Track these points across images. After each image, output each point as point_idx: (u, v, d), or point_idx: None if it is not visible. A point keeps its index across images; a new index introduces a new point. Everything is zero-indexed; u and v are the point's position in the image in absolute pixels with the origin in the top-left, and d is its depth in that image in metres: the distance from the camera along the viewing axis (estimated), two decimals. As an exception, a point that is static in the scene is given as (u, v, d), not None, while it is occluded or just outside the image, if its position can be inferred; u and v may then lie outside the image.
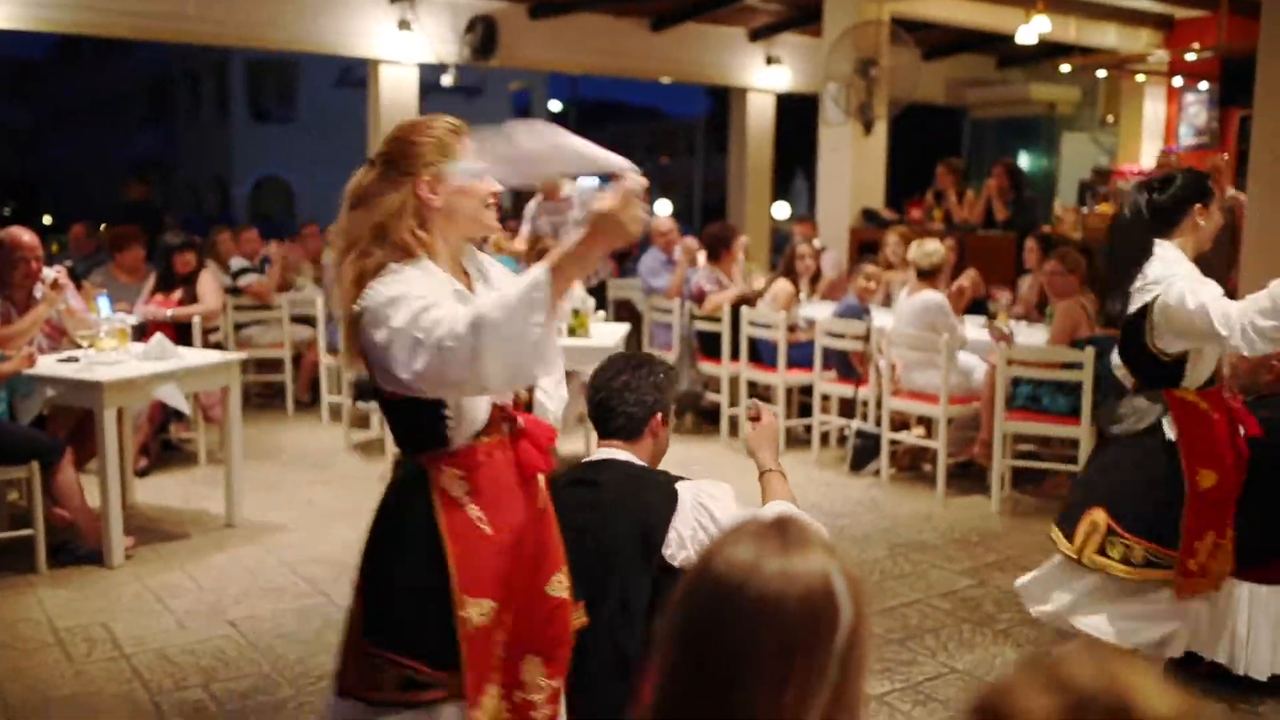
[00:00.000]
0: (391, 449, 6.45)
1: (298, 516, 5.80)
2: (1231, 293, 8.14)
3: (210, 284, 7.41)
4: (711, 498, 2.67)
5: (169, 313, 7.03)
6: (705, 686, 1.22)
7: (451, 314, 2.03)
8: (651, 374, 2.79)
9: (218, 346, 7.52)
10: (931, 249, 6.69)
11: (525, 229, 8.22)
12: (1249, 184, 7.19)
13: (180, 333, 6.77)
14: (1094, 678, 0.98)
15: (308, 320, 8.38)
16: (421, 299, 2.09)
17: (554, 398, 2.53)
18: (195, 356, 5.77)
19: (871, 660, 1.28)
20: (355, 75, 25.03)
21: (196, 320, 7.07)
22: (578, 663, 2.49)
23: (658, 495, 2.66)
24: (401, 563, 2.27)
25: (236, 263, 8.46)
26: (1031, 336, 6.60)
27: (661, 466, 2.87)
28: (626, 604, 2.59)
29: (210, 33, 10.18)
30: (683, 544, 2.60)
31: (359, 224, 2.26)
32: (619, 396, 2.77)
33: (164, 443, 6.98)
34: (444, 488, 2.25)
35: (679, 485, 2.69)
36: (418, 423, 2.25)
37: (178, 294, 7.20)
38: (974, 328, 6.83)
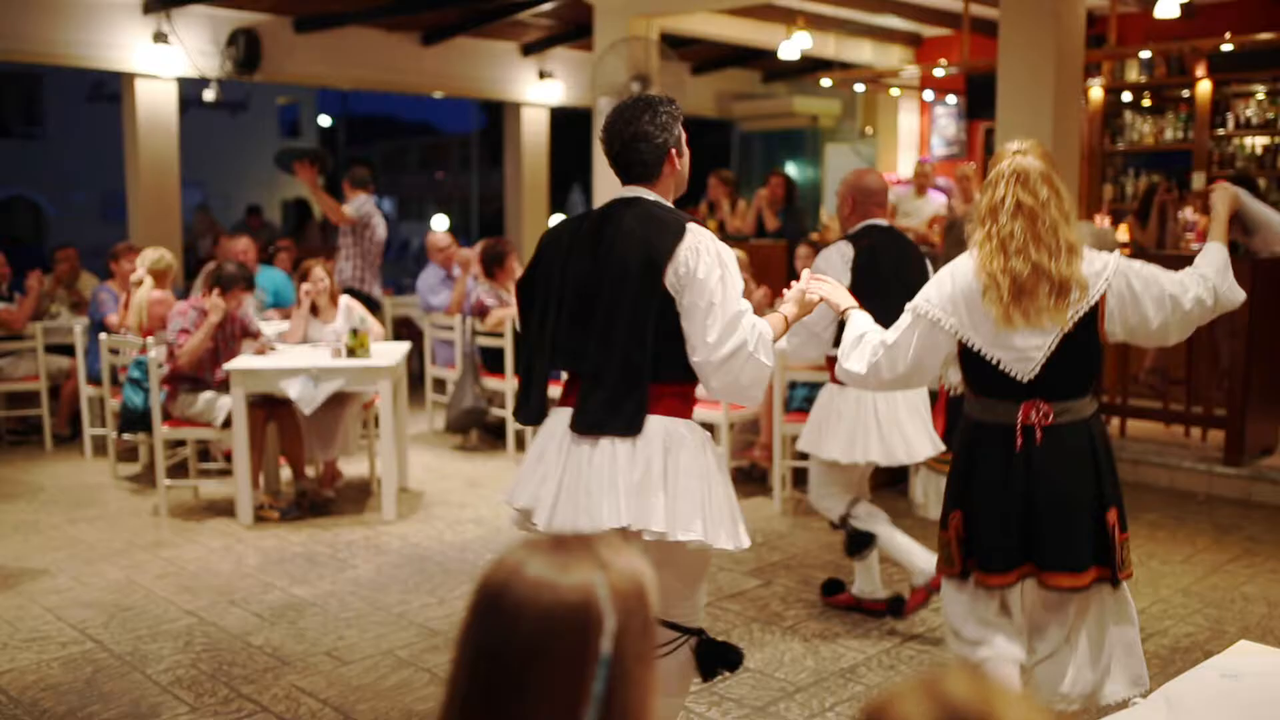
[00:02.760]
0: (163, 481, 6.16)
1: (61, 559, 5.45)
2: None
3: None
4: (710, 251, 2.91)
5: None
6: (475, 690, 1.24)
7: None
8: (655, 115, 2.99)
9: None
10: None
11: None
12: (995, 191, 7.64)
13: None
14: (968, 693, 1.07)
15: (65, 349, 7.90)
16: None
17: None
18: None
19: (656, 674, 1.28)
20: (109, 89, 23.78)
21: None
22: (594, 373, 2.91)
23: (671, 227, 2.92)
24: None
25: None
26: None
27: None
28: (635, 321, 2.89)
29: (-58, 44, 9.47)
30: (676, 274, 2.88)
31: None
32: (633, 147, 2.99)
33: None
34: None
35: (689, 224, 2.95)
36: None
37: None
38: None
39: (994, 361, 2.99)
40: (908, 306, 3.10)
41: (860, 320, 3.18)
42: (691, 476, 2.88)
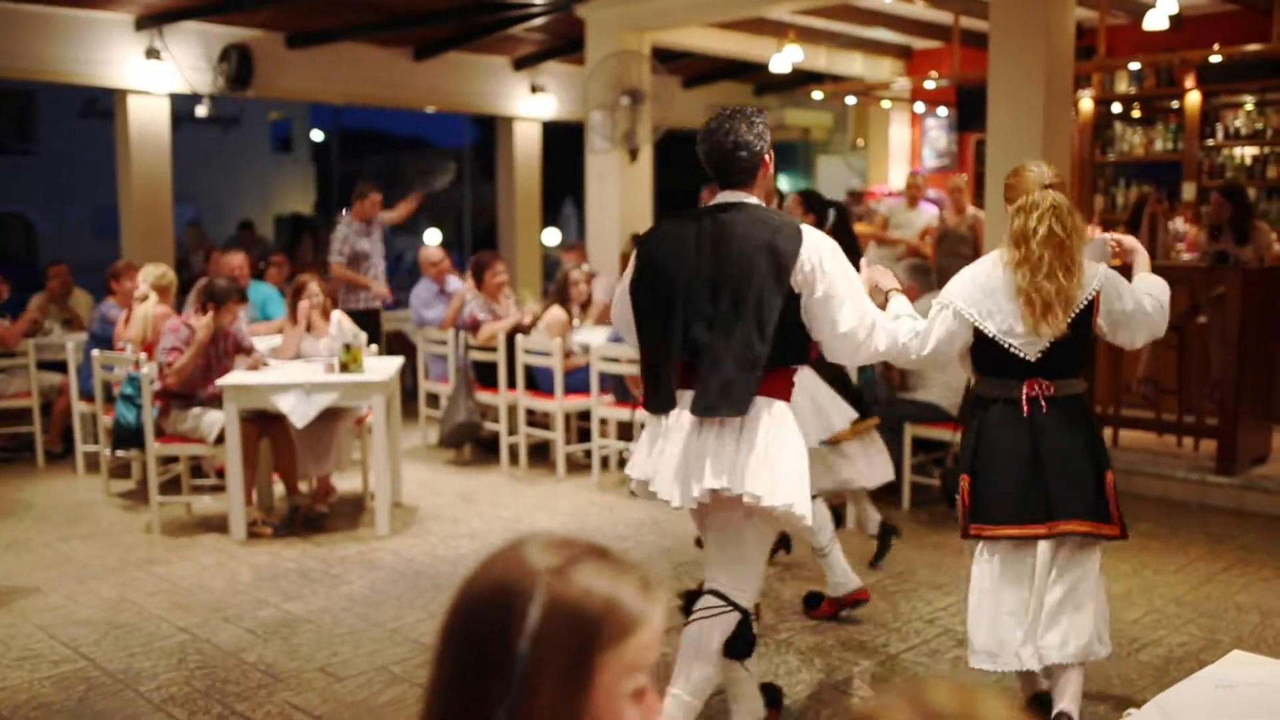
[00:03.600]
0: (156, 498, 6.14)
1: (54, 577, 5.43)
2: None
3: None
4: (828, 248, 3.26)
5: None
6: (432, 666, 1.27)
7: None
8: (752, 125, 3.32)
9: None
10: None
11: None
12: (986, 203, 7.70)
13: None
14: (950, 703, 1.08)
15: (57, 366, 7.88)
16: None
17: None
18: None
19: (605, 687, 1.21)
20: (102, 105, 23.78)
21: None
22: (714, 361, 3.21)
23: (788, 230, 3.25)
24: None
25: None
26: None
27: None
28: (761, 316, 3.19)
29: (-66, 62, 9.46)
30: (803, 272, 3.20)
31: None
32: (734, 155, 3.31)
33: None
34: None
35: (802, 226, 3.28)
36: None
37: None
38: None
39: (1005, 345, 3.54)
40: (935, 300, 3.67)
41: (900, 302, 3.65)
42: (790, 452, 3.23)
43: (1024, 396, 3.55)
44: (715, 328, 3.25)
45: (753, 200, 3.36)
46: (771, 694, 3.69)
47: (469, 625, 1.24)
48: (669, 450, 3.31)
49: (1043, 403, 3.55)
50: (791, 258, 3.20)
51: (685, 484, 3.24)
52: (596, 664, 1.20)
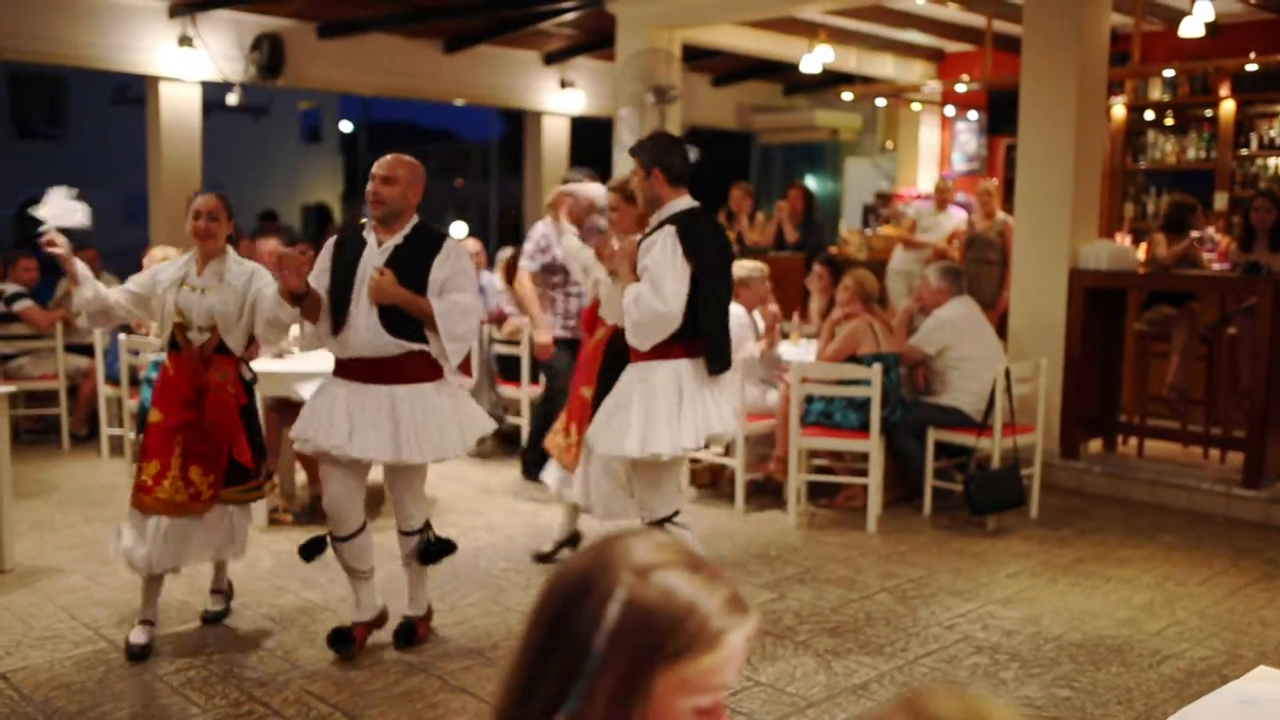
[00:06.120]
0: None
1: (77, 558, 5.47)
2: (1004, 309, 8.64)
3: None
4: None
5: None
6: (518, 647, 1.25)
7: None
8: None
9: (-18, 379, 7.05)
10: (750, 265, 6.85)
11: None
12: (1016, 209, 7.64)
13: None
14: (953, 710, 1.06)
15: (84, 349, 7.93)
16: None
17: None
18: (-43, 391, 5.39)
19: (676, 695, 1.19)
20: (134, 91, 23.91)
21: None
22: (717, 332, 4.41)
23: None
24: None
25: (9, 287, 7.92)
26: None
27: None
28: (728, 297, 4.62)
29: (-31, 44, 9.53)
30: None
31: None
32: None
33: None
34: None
35: None
36: None
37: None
38: (784, 346, 7.06)
39: None
40: None
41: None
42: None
43: None
44: (722, 306, 4.43)
45: None
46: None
47: (553, 613, 1.21)
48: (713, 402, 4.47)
49: None
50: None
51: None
52: (656, 674, 1.16)
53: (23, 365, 7.91)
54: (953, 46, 12.38)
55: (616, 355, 4.81)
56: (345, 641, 4.30)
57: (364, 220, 4.36)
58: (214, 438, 4.28)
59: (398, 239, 4.26)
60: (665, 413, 4.24)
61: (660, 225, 4.30)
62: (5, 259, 8.48)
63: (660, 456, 4.23)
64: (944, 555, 5.74)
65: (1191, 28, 8.38)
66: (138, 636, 4.27)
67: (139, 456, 4.39)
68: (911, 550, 5.81)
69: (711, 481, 7.02)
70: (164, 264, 4.57)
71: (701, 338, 4.33)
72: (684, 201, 4.37)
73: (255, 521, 5.99)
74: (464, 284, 4.24)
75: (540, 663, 1.20)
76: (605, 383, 4.77)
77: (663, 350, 4.29)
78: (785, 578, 5.36)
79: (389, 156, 4.30)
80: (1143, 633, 4.67)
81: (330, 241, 4.46)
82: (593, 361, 5.10)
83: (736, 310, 6.73)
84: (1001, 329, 7.57)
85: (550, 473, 5.44)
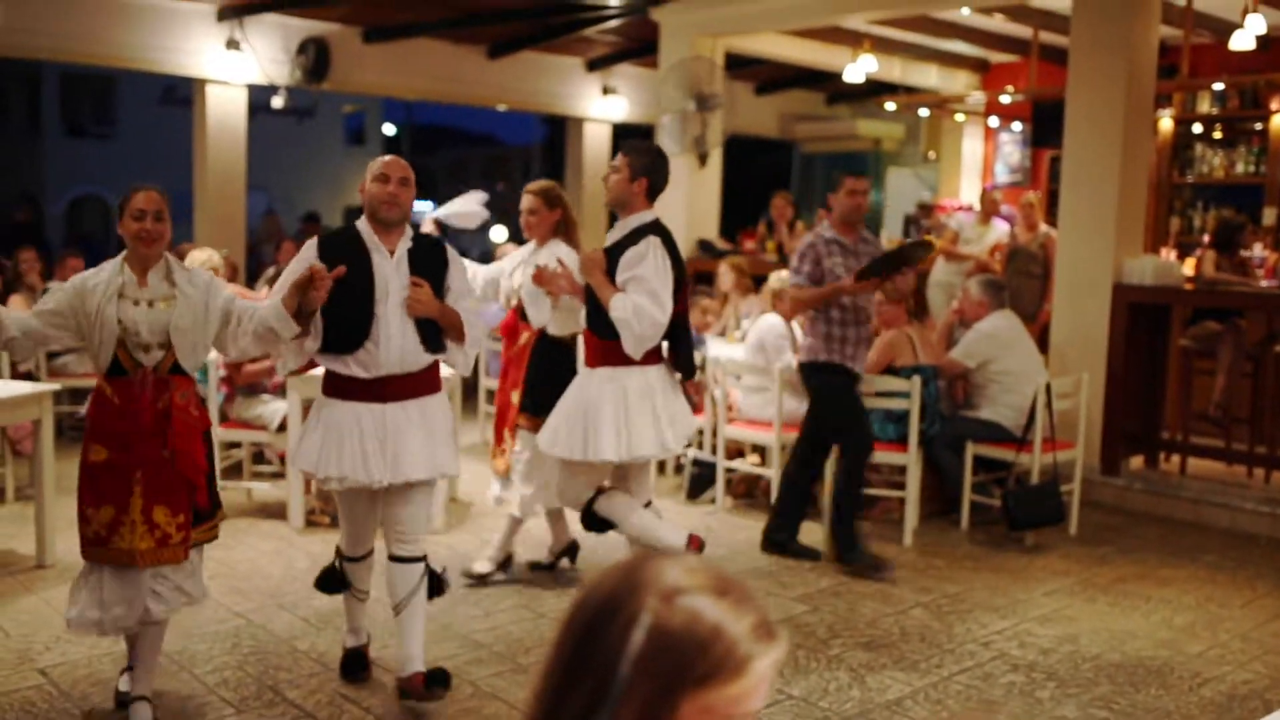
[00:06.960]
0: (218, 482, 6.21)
1: (115, 555, 5.51)
2: (1045, 322, 8.54)
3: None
4: None
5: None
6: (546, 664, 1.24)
7: None
8: None
9: (28, 377, 7.13)
10: (786, 275, 6.81)
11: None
12: (1060, 222, 7.57)
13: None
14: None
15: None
16: None
17: None
18: (2, 388, 5.46)
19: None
20: (181, 93, 24.19)
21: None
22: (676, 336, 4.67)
23: None
24: None
25: (56, 286, 8.01)
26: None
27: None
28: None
29: (20, 44, 9.64)
30: None
31: None
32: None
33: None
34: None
35: None
36: None
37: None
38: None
39: None
40: None
41: None
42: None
43: None
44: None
45: None
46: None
47: (581, 634, 1.19)
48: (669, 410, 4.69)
49: None
50: None
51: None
52: (681, 700, 1.14)
53: (68, 363, 8.00)
54: (998, 57, 12.29)
55: (545, 359, 5.09)
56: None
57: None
58: (181, 467, 3.69)
59: (407, 245, 3.95)
60: (648, 416, 4.46)
61: (640, 235, 4.47)
62: (54, 257, 8.58)
63: (646, 459, 4.58)
64: (981, 571, 5.68)
65: (1242, 40, 8.27)
66: (124, 684, 3.85)
67: (80, 501, 3.78)
68: (948, 565, 5.76)
69: (747, 491, 6.99)
70: (83, 275, 3.77)
71: (673, 345, 4.62)
72: (653, 214, 4.58)
73: (293, 524, 6.04)
74: (468, 290, 4.17)
75: (567, 684, 1.19)
76: (536, 387, 5.04)
77: (625, 356, 4.46)
78: (819, 590, 5.33)
79: (391, 157, 4.12)
80: (1183, 654, 4.60)
81: (312, 242, 4.03)
82: (518, 366, 5.18)
83: (774, 320, 6.73)
84: (1042, 343, 7.49)
85: (494, 488, 5.36)
